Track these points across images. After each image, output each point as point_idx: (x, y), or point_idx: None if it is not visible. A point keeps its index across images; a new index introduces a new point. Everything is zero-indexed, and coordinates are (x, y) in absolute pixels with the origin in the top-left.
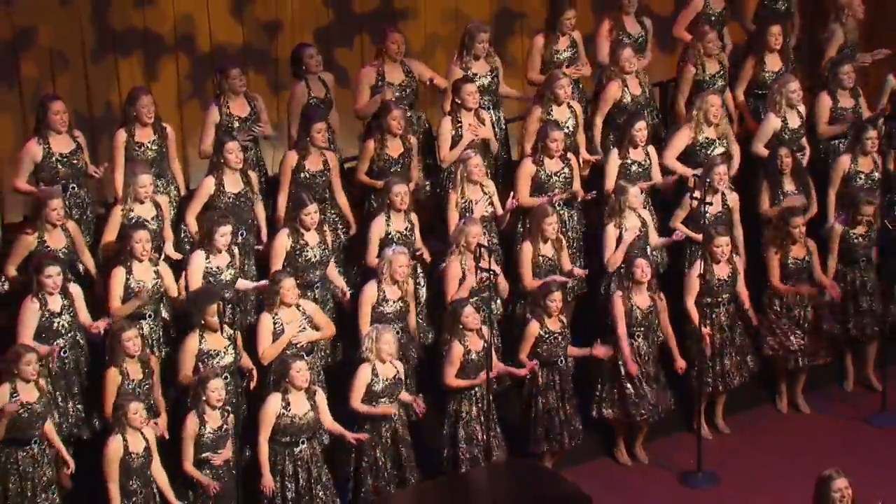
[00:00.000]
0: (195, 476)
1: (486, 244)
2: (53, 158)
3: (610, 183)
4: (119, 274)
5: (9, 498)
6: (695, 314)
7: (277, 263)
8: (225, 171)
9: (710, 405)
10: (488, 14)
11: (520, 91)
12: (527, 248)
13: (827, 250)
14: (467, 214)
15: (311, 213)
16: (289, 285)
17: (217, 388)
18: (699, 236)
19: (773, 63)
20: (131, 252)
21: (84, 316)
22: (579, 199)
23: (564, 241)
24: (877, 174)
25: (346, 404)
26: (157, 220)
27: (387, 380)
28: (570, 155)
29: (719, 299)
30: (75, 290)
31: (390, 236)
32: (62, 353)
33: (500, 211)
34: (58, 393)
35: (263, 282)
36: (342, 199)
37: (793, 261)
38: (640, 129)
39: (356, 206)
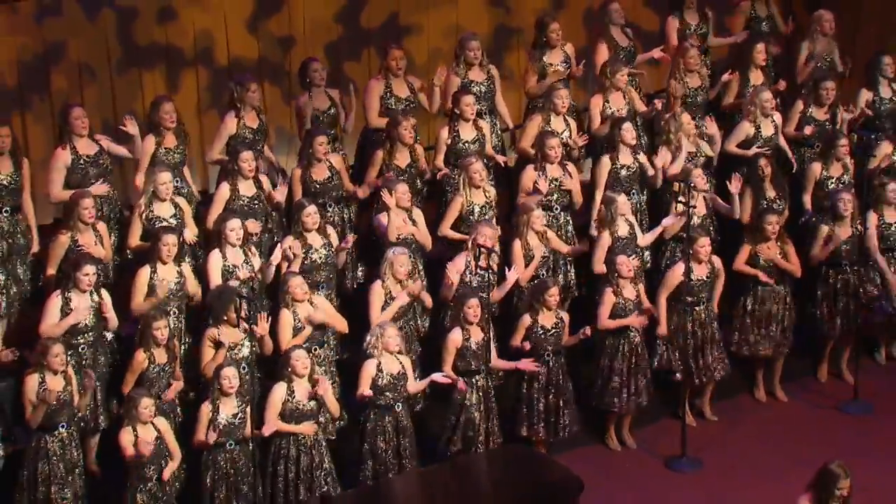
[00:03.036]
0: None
1: (486, 246)
2: (82, 161)
3: (599, 189)
4: (144, 273)
5: (39, 480)
6: (663, 309)
7: (282, 266)
8: (238, 177)
9: (697, 394)
10: (486, 29)
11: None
12: (516, 246)
13: (807, 245)
14: (470, 218)
15: (311, 213)
16: (296, 283)
17: (228, 377)
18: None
19: (755, 78)
20: (157, 254)
21: (112, 317)
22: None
23: (551, 233)
24: (846, 177)
25: (355, 395)
26: (176, 218)
27: (391, 375)
28: (567, 163)
29: (699, 297)
30: (104, 293)
31: (398, 233)
32: (80, 350)
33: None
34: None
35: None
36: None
37: (764, 261)
38: (627, 130)
39: (363, 208)
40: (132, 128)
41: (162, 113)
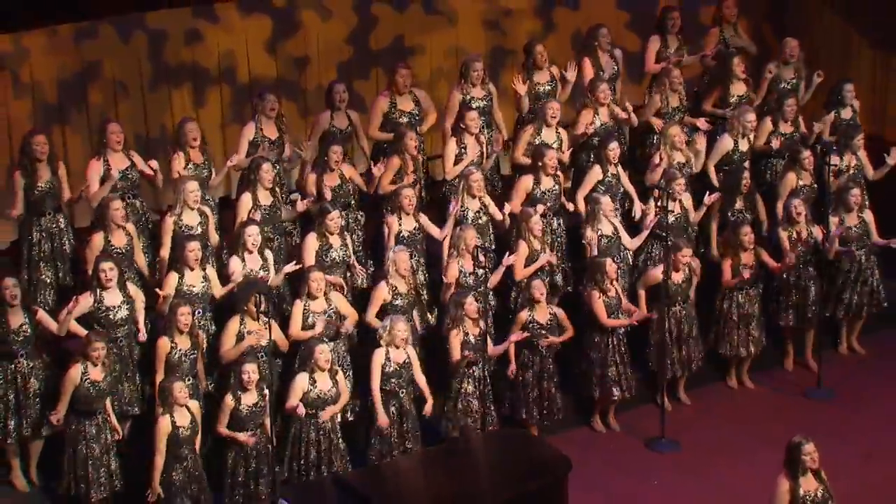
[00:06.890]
0: (227, 435)
1: (483, 246)
2: (112, 172)
3: (582, 194)
4: (172, 279)
5: (79, 460)
6: (643, 300)
7: (309, 260)
8: (258, 188)
9: (673, 382)
10: (484, 50)
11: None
12: (522, 247)
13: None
14: (463, 222)
15: (335, 218)
16: (315, 277)
17: (249, 371)
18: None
19: (737, 88)
20: (184, 261)
21: (139, 317)
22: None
23: (549, 239)
24: (816, 185)
25: (365, 383)
26: (202, 226)
27: (397, 363)
28: (559, 172)
29: (675, 300)
30: (135, 290)
31: (401, 234)
32: (119, 342)
33: (497, 216)
34: (122, 373)
35: (289, 266)
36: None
37: (744, 266)
38: (613, 149)
39: (373, 211)
40: (155, 165)
41: (185, 131)
